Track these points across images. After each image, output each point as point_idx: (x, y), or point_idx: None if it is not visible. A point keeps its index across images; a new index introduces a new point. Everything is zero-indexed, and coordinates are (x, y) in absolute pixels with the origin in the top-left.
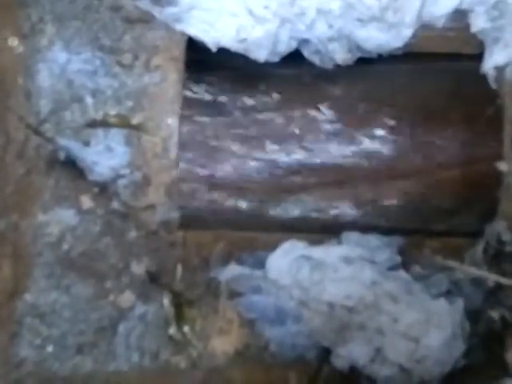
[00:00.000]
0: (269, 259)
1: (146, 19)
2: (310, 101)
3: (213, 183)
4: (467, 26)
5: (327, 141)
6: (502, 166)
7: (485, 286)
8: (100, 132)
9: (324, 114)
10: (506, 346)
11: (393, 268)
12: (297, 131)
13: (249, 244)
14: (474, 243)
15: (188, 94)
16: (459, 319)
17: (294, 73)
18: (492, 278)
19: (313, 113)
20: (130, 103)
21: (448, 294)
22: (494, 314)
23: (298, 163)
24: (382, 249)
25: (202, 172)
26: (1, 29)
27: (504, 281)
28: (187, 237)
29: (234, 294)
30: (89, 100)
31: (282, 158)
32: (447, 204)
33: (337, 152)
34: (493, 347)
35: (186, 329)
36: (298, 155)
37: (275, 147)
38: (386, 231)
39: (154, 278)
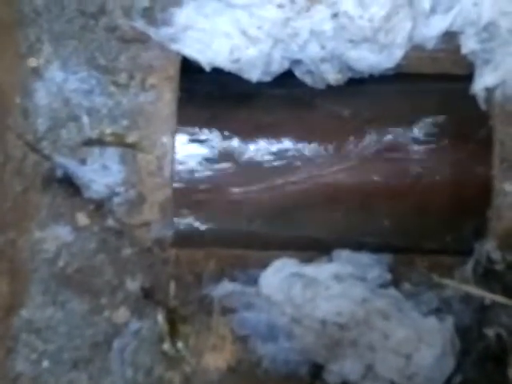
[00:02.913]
0: (261, 276)
1: (142, 39)
2: (299, 120)
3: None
4: (457, 48)
5: (314, 159)
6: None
7: (474, 304)
8: (96, 150)
9: (313, 132)
10: (509, 363)
11: (383, 286)
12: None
13: (241, 261)
14: (464, 262)
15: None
16: (449, 337)
17: (284, 92)
18: (488, 296)
19: (302, 132)
20: (125, 122)
21: (438, 311)
22: (489, 332)
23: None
24: (373, 266)
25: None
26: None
27: (500, 299)
28: (180, 254)
29: (226, 311)
30: (85, 119)
31: None
32: (437, 223)
33: (324, 171)
34: (487, 365)
35: (179, 345)
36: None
37: None
38: (376, 249)
39: (148, 295)
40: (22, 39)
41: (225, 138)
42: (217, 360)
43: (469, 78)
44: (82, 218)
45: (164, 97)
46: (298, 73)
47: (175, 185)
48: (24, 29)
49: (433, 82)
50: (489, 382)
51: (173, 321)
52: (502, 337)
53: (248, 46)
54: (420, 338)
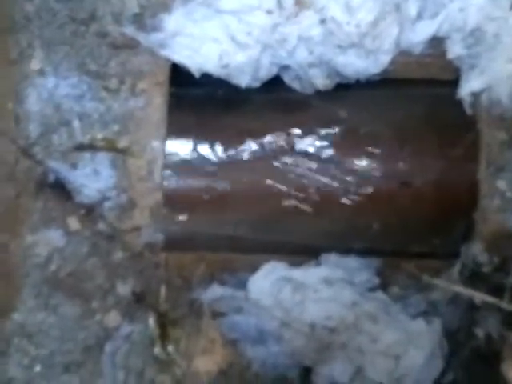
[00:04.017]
0: (250, 280)
1: (132, 45)
2: (287, 125)
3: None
4: (444, 53)
5: (302, 166)
6: None
7: (462, 306)
8: (87, 155)
9: (301, 138)
10: (503, 361)
11: (371, 289)
12: (274, 155)
13: (230, 265)
14: (451, 265)
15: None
16: (437, 339)
17: (272, 98)
18: (477, 295)
19: (290, 137)
20: (116, 127)
21: (426, 314)
22: (479, 332)
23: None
24: (361, 270)
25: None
26: None
27: (489, 298)
28: (169, 258)
29: (216, 315)
30: (76, 124)
31: None
32: (424, 226)
33: (313, 176)
34: (476, 366)
35: (170, 348)
36: None
37: None
38: (364, 253)
39: (139, 299)
40: (14, 45)
41: (213, 143)
42: (207, 363)
43: (455, 82)
44: (74, 223)
45: (154, 102)
46: (286, 78)
47: (165, 189)
48: (15, 35)
49: (420, 87)
50: (478, 382)
51: (163, 324)
52: (492, 336)
53: (237, 52)
54: (408, 340)
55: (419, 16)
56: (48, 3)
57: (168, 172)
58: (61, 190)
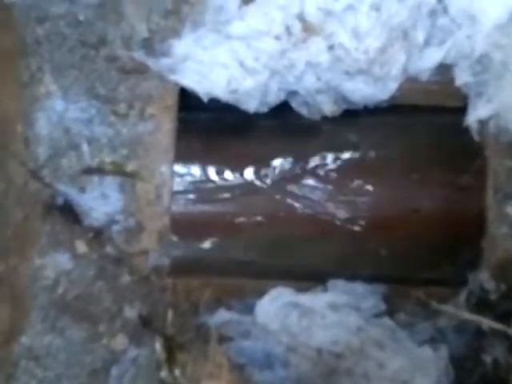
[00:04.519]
0: (257, 305)
1: (141, 70)
2: (295, 151)
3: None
4: (451, 80)
5: (310, 191)
6: None
7: (469, 333)
8: (95, 179)
9: (308, 163)
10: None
11: (378, 315)
12: (282, 181)
13: (237, 290)
14: (458, 292)
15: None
16: (444, 366)
17: (280, 123)
18: (484, 322)
19: (298, 163)
20: (124, 151)
21: (432, 341)
22: (486, 358)
23: None
24: (367, 296)
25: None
26: (1, 77)
27: (496, 325)
28: (177, 283)
29: (223, 339)
30: (85, 147)
31: None
32: (431, 253)
33: (320, 202)
34: None
35: (177, 372)
36: None
37: None
38: (371, 279)
39: (146, 322)
40: (24, 68)
41: (221, 167)
42: None
43: (462, 109)
44: (81, 246)
45: (163, 127)
46: (294, 104)
47: (173, 214)
48: (26, 58)
49: (427, 114)
50: None
51: (170, 348)
52: (499, 362)
53: (245, 77)
54: (415, 367)
55: (427, 43)
56: (58, 27)
57: (176, 196)
58: (69, 213)
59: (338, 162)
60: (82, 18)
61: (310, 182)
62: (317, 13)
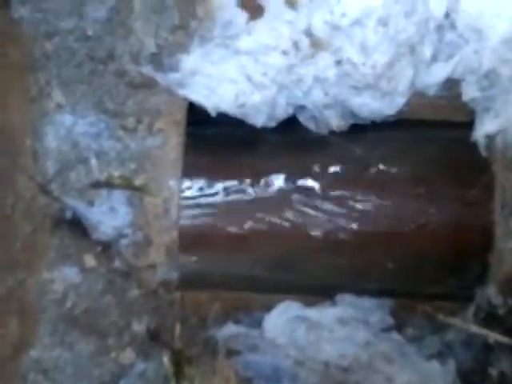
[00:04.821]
0: (265, 319)
1: (149, 84)
2: (302, 165)
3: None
4: (458, 95)
5: (317, 205)
6: None
7: (476, 347)
8: (104, 193)
9: (316, 177)
10: None
11: (386, 329)
12: (290, 195)
13: (245, 304)
14: (466, 307)
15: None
16: (451, 380)
17: (288, 138)
18: (492, 336)
19: (305, 177)
20: (133, 165)
21: (440, 355)
22: (493, 372)
23: None
24: (375, 310)
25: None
26: (11, 91)
27: (504, 339)
28: (185, 296)
29: (231, 353)
30: (93, 161)
31: None
32: (439, 268)
33: (327, 216)
34: None
35: None
36: None
37: None
38: (379, 293)
39: (154, 336)
40: (33, 83)
41: (229, 182)
42: None
43: (470, 124)
44: (90, 260)
45: (171, 141)
46: (301, 118)
47: (181, 228)
48: (35, 73)
49: (434, 129)
50: None
51: (178, 362)
52: (506, 376)
53: (253, 92)
54: (422, 381)
55: (434, 58)
56: (67, 42)
57: (184, 210)
58: (77, 226)
59: (346, 176)
60: (90, 32)
61: (318, 195)
62: (324, 28)
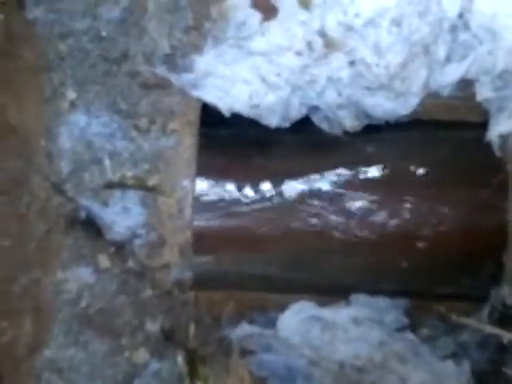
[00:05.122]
0: (279, 319)
1: (163, 85)
2: (316, 166)
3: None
4: (472, 95)
5: (331, 205)
6: None
7: (491, 348)
8: (117, 193)
9: (330, 178)
10: None
11: (400, 329)
12: (303, 195)
13: (259, 304)
14: (480, 307)
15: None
16: (465, 380)
17: (302, 138)
18: (506, 335)
19: (319, 178)
20: (146, 166)
21: (454, 355)
22: (508, 371)
23: None
24: (390, 310)
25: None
26: (25, 92)
27: None
28: (199, 296)
29: (245, 353)
30: (107, 162)
31: None
32: (453, 268)
33: (342, 215)
34: None
35: None
36: None
37: None
38: (393, 293)
39: (168, 336)
40: (47, 83)
41: (242, 183)
42: None
43: (484, 125)
44: (104, 260)
45: (184, 142)
46: (315, 119)
47: (195, 228)
48: (49, 73)
49: (448, 129)
50: None
51: (192, 362)
52: None
53: (267, 93)
54: (437, 381)
55: (448, 58)
56: (81, 43)
57: (198, 211)
58: (91, 227)
59: (360, 177)
60: (104, 33)
61: (332, 196)
62: (338, 28)
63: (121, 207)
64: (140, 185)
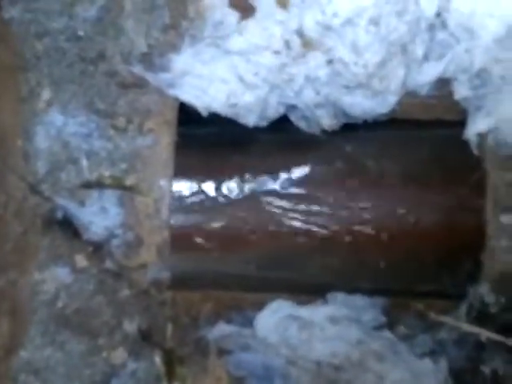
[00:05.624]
0: (257, 318)
1: (140, 84)
2: (294, 164)
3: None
4: (450, 94)
5: (309, 204)
6: None
7: (468, 345)
8: (95, 193)
9: (307, 176)
10: None
11: (378, 328)
12: (281, 194)
13: (237, 303)
14: (458, 305)
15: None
16: (443, 378)
17: (279, 137)
18: (484, 333)
19: (297, 176)
20: (123, 165)
21: (432, 353)
22: (485, 369)
23: None
24: (367, 309)
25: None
26: (1, 92)
27: (495, 336)
28: (176, 296)
29: (223, 352)
30: (84, 162)
31: None
32: (430, 266)
33: (319, 215)
34: None
35: None
36: None
37: None
38: (371, 292)
39: (145, 336)
40: (23, 83)
41: (220, 182)
42: None
43: (461, 123)
44: (81, 260)
45: (162, 141)
46: (293, 118)
47: (172, 227)
48: (25, 73)
49: (426, 128)
50: None
51: (170, 362)
52: (498, 374)
53: (244, 92)
54: (415, 379)
55: (425, 57)
56: (57, 42)
57: (175, 210)
58: (68, 227)
59: (337, 175)
60: (81, 33)
61: (309, 195)
62: (316, 28)
63: (98, 207)
64: (117, 184)
